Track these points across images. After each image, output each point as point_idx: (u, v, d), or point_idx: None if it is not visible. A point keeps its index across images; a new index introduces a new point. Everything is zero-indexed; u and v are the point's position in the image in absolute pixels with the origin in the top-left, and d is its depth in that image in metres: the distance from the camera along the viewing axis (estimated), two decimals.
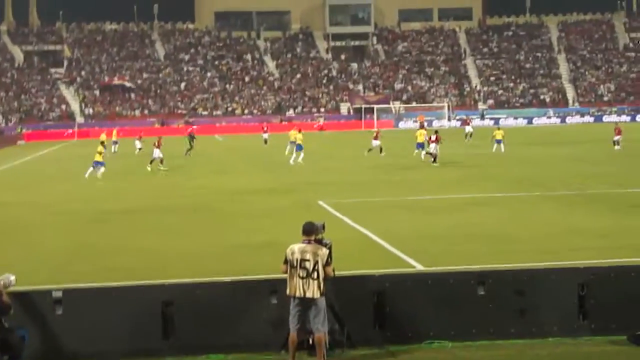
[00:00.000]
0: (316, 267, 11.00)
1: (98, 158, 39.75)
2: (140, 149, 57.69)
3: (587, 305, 12.55)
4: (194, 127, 73.78)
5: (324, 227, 11.40)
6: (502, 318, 12.48)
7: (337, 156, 43.72)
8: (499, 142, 51.68)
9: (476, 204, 27.04)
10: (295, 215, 23.76)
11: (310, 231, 11.17)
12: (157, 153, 44.82)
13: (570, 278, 12.71)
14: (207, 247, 20.33)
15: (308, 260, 11.02)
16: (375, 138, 50.27)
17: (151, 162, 44.68)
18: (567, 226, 22.05)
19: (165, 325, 12.05)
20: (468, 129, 68.70)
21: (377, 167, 42.66)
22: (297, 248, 11.12)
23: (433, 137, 44.00)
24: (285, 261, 11.15)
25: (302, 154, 45.06)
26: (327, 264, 11.04)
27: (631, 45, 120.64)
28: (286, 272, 11.17)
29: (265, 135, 68.42)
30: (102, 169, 39.73)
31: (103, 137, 54.22)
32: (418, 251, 18.70)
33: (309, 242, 11.13)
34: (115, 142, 63.55)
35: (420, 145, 46.22)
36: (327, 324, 11.32)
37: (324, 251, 11.09)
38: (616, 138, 50.90)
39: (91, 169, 39.95)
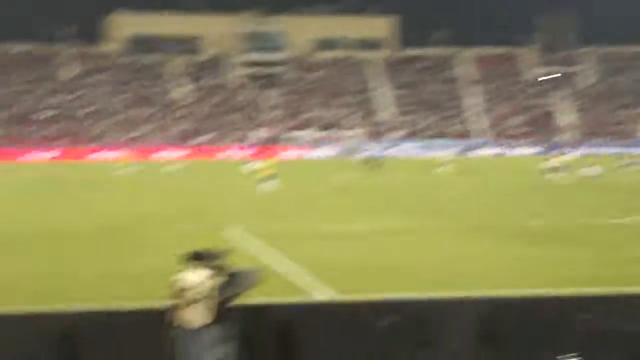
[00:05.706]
0: (207, 294, 10.75)
1: None
2: None
3: (492, 335, 12.50)
4: None
5: (225, 254, 11.11)
6: (409, 349, 12.29)
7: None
8: None
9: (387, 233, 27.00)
10: (199, 241, 23.27)
11: (201, 257, 10.90)
12: None
13: (476, 308, 12.70)
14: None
15: (198, 288, 10.76)
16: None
17: None
18: (473, 255, 22.16)
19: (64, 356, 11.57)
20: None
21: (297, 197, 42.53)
22: (187, 275, 10.86)
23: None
24: (176, 290, 10.86)
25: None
26: (221, 290, 10.75)
27: (539, 79, 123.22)
28: (177, 301, 10.87)
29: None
30: None
31: None
32: (330, 280, 18.43)
33: (202, 268, 10.85)
34: None
35: None
36: (229, 353, 10.98)
37: (217, 279, 10.80)
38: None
39: None
